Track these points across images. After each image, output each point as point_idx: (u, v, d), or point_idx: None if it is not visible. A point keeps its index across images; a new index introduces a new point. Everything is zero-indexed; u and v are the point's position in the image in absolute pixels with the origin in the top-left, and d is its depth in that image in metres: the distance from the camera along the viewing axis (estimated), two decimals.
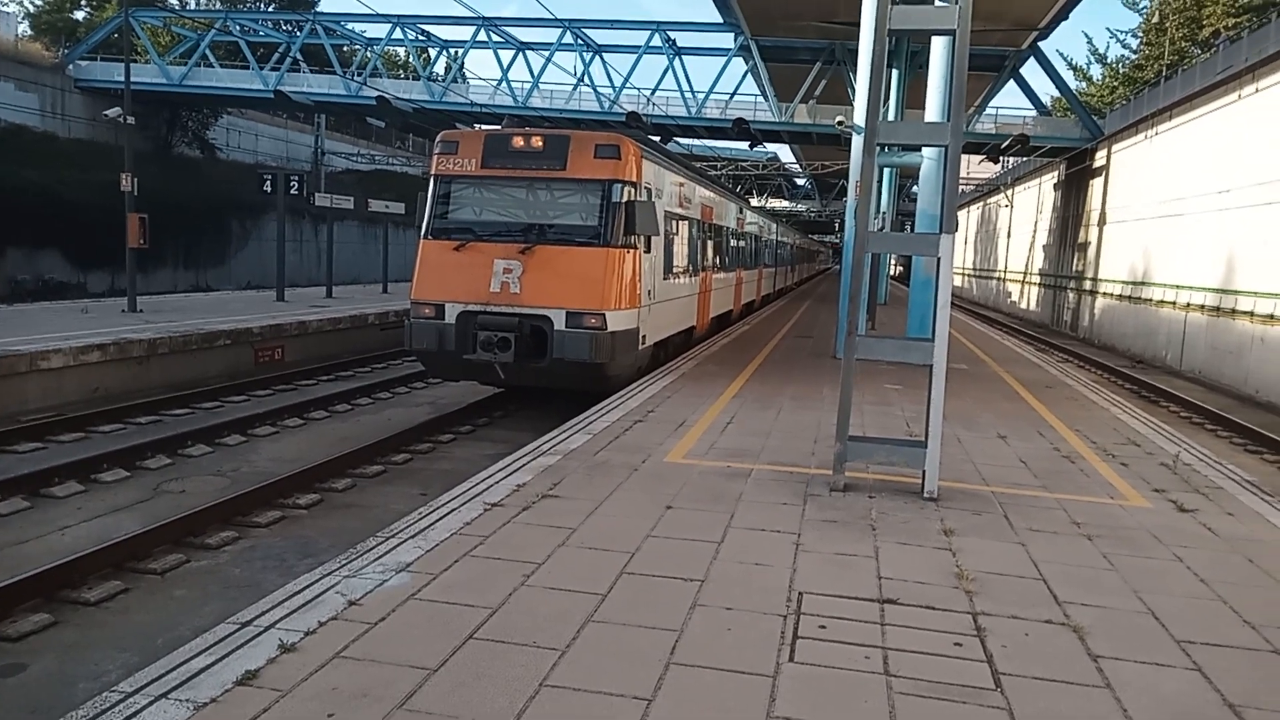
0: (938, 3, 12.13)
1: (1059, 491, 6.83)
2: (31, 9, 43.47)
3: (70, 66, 35.85)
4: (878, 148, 13.73)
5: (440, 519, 5.56)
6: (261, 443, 11.13)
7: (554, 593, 4.47)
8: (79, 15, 43.05)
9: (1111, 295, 29.41)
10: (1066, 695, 3.64)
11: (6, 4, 44.20)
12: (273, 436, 11.46)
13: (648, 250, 12.07)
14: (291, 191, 22.04)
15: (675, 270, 14.16)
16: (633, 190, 11.44)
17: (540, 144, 11.49)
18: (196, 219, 35.87)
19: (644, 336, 12.09)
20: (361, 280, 37.53)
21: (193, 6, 46.51)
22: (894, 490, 6.63)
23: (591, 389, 11.22)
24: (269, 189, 22.03)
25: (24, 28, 41.60)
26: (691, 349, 15.20)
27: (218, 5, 44.76)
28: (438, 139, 12.16)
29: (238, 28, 37.01)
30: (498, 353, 10.90)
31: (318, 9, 44.72)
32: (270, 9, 45.07)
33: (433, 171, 11.95)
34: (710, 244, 17.56)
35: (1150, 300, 25.88)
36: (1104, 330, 29.94)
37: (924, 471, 6.47)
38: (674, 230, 14.11)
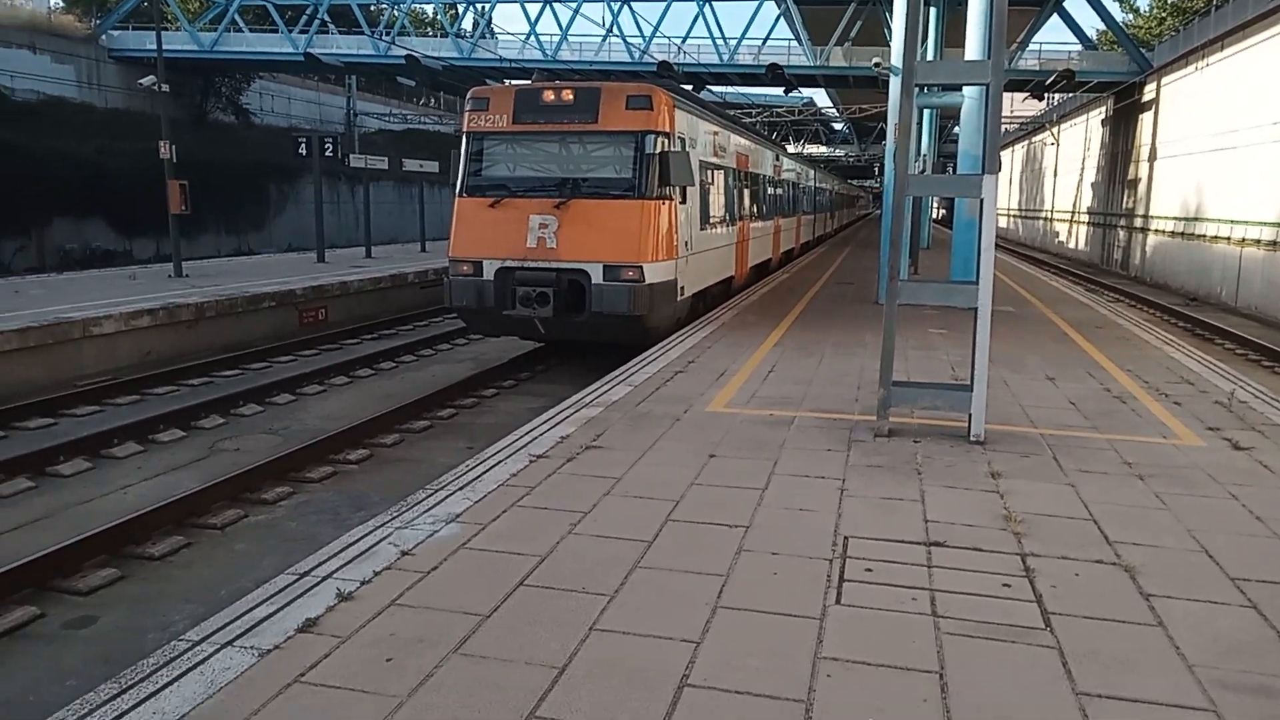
0: None
1: (1110, 432, 6.74)
2: None
3: (103, 37, 36.11)
4: (916, 89, 13.40)
5: (487, 471, 5.64)
6: (310, 401, 11.35)
7: (601, 540, 4.53)
8: None
9: (1163, 232, 28.62)
10: (1117, 633, 3.63)
11: None
12: (321, 395, 11.67)
13: (683, 201, 11.97)
14: (326, 154, 22.14)
15: (712, 220, 14.04)
16: (666, 140, 11.33)
17: (571, 97, 11.39)
18: (235, 184, 36.23)
19: (682, 288, 12.04)
20: (399, 239, 37.74)
21: None
22: (939, 434, 6.58)
23: (631, 341, 11.23)
24: (304, 152, 22.14)
25: (56, 1, 41.96)
26: (731, 299, 15.12)
27: None
28: (468, 96, 12.10)
29: None
30: (537, 308, 10.96)
31: None
32: None
33: (465, 129, 11.93)
34: (747, 192, 17.34)
35: (1204, 236, 25.14)
36: (1156, 268, 29.20)
37: (969, 415, 6.40)
38: (709, 180, 13.95)
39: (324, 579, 4.03)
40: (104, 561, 6.27)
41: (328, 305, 17.02)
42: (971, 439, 6.37)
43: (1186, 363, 9.72)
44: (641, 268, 10.91)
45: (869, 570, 4.20)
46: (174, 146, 17.86)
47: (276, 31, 36.01)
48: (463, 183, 11.80)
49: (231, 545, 6.74)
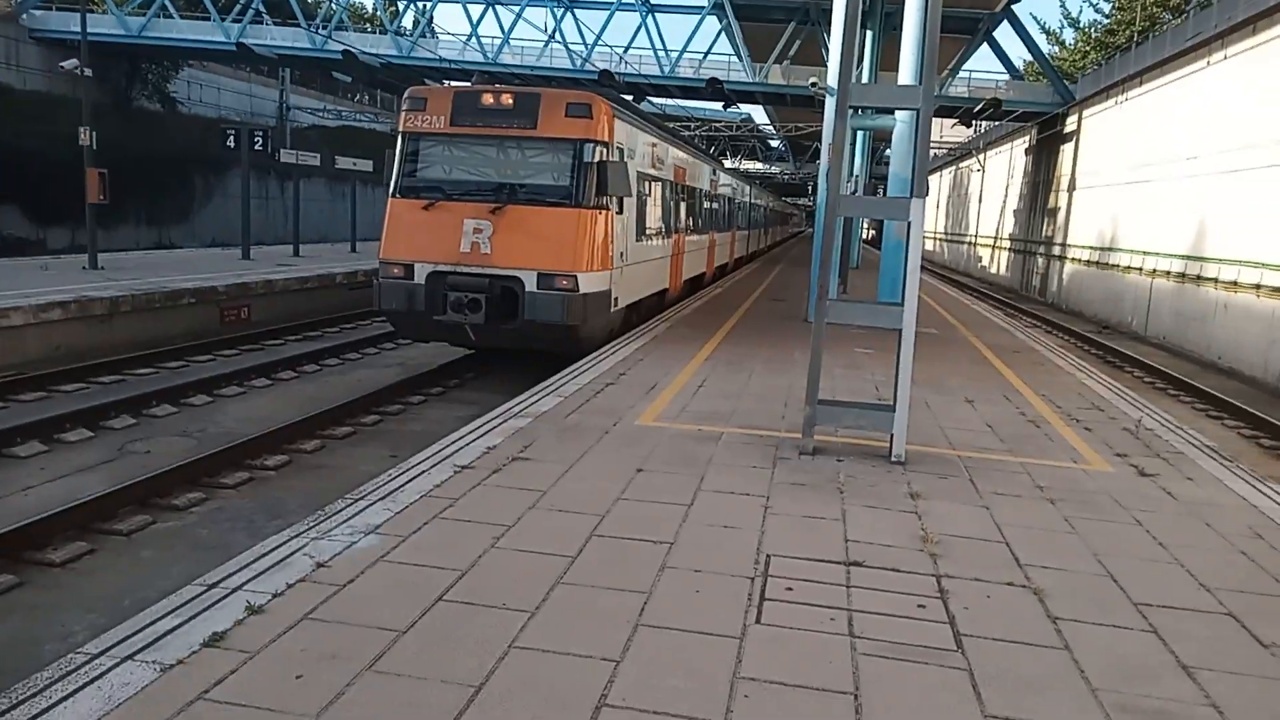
0: None
1: (1024, 455, 6.94)
2: None
3: (24, 16, 34.66)
4: (850, 110, 13.67)
5: (410, 481, 5.54)
6: (228, 403, 11.02)
7: (524, 555, 4.48)
8: None
9: (1080, 261, 29.72)
10: (1026, 655, 3.73)
11: None
12: (240, 397, 11.34)
13: (620, 211, 11.95)
14: (256, 147, 21.59)
15: (648, 232, 14.08)
16: (605, 150, 11.30)
17: (510, 102, 11.30)
18: (158, 174, 35.06)
19: (616, 299, 12.03)
20: (330, 239, 37.01)
21: None
22: (862, 454, 6.70)
23: (563, 351, 11.17)
24: (233, 144, 21.55)
25: None
26: (664, 311, 15.18)
27: None
28: (405, 95, 11.93)
29: None
30: (468, 314, 10.80)
31: None
32: None
33: (400, 129, 11.72)
34: (683, 206, 17.44)
35: (1117, 266, 26.18)
36: (1072, 296, 30.29)
37: (891, 435, 6.54)
38: (647, 191, 14.00)
39: (233, 590, 3.90)
40: (1, 567, 5.97)
41: (251, 304, 16.57)
42: (893, 459, 6.49)
43: (1098, 389, 10.09)
44: (576, 277, 10.85)
45: (789, 589, 4.24)
46: (95, 133, 17.23)
47: (208, 19, 35.02)
48: (396, 183, 11.60)
49: (138, 552, 6.49)
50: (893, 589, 4.32)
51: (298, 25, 33.86)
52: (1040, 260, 34.36)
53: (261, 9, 34.31)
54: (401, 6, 38.00)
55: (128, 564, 6.30)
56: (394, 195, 11.62)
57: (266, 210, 40.57)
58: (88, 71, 17.82)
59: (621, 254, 12.15)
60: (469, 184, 11.46)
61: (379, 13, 40.29)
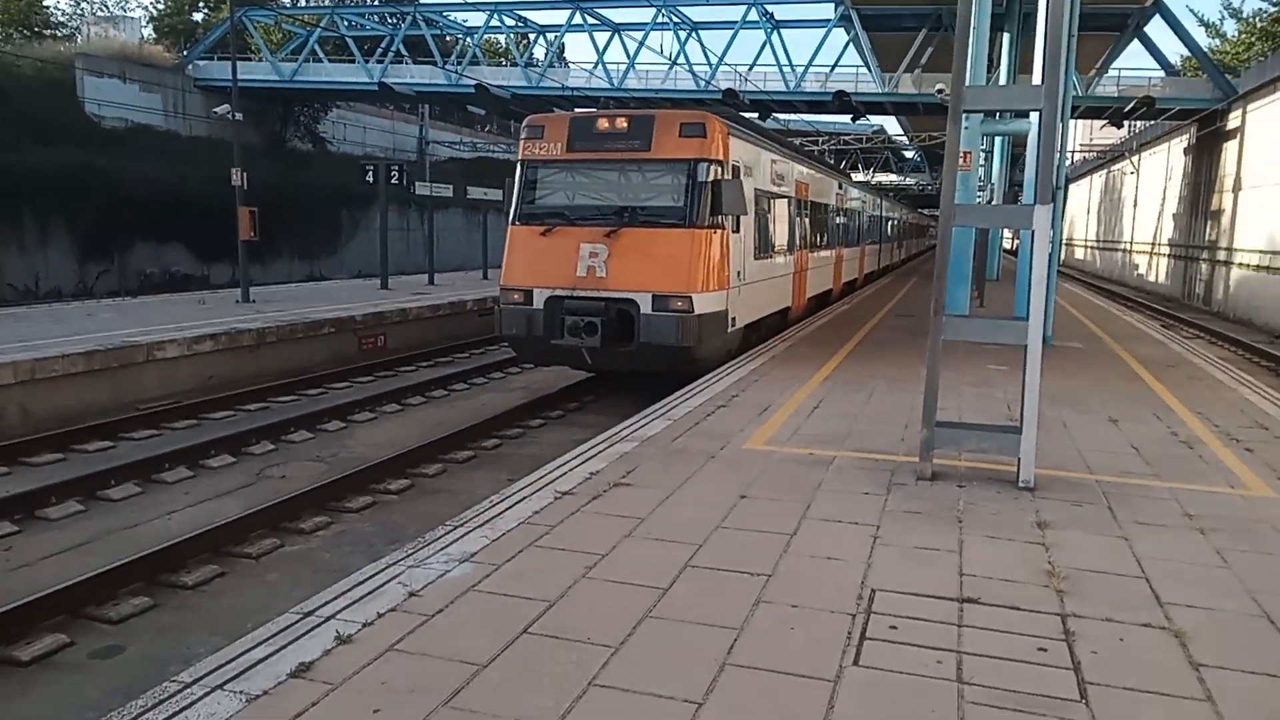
0: None
1: (1172, 480, 6.33)
2: (154, 13, 45.96)
3: (189, 67, 37.71)
4: (984, 116, 13.02)
5: (510, 507, 5.54)
6: (360, 429, 11.45)
7: (614, 586, 4.37)
8: (197, 17, 45.29)
9: (1248, 266, 27.35)
10: (1161, 708, 3.33)
11: (132, 9, 46.85)
12: (370, 422, 11.76)
13: (736, 230, 11.82)
14: (392, 181, 22.59)
15: (767, 250, 13.83)
16: (719, 169, 11.22)
17: (625, 125, 11.41)
18: (309, 210, 37.26)
19: (733, 319, 11.88)
20: (465, 266, 38.31)
21: (302, 4, 48.27)
22: (987, 479, 6.26)
23: (679, 373, 11.04)
24: (371, 179, 22.63)
25: (148, 31, 44.03)
26: (787, 330, 14.86)
27: (325, 2, 46.27)
28: (524, 124, 12.20)
29: (344, 23, 38.19)
30: (585, 337, 10.87)
31: (419, 1, 45.78)
32: (374, 3, 46.34)
33: (519, 157, 11.99)
34: (806, 222, 17.06)
35: None
36: (1240, 303, 27.90)
37: (1019, 459, 6.08)
38: (766, 208, 13.78)
39: (326, 619, 3.95)
40: (138, 589, 6.33)
41: (387, 332, 17.26)
42: (1020, 485, 6.04)
43: (1263, 405, 9.16)
44: (690, 298, 10.76)
45: (893, 628, 3.95)
46: (249, 174, 18.42)
47: (353, 61, 37.16)
48: (516, 210, 11.89)
49: (264, 575, 6.76)
50: (1011, 629, 3.96)
51: (434, 63, 35.39)
52: (1204, 266, 31.87)
53: (402, 50, 36.12)
54: (531, 39, 39.17)
55: (254, 587, 6.57)
56: (513, 223, 11.88)
57: (407, 241, 42.45)
58: (239, 116, 19.12)
59: (738, 273, 11.99)
60: (585, 208, 11.55)
61: (510, 47, 41.69)
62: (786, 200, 15.26)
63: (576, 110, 12.44)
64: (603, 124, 11.52)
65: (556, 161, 11.73)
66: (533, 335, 11.37)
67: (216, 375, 13.47)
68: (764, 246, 13.59)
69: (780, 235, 14.79)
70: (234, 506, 8.13)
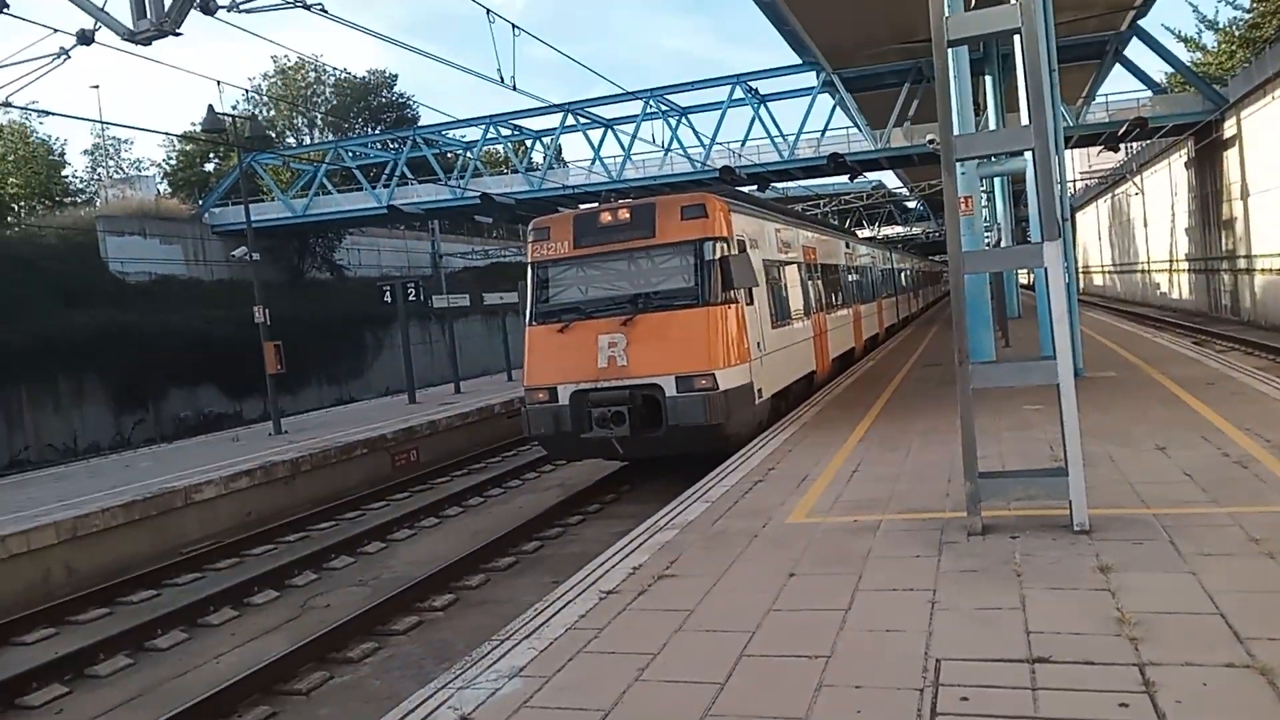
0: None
1: (1232, 505, 6.10)
2: (167, 168, 47.85)
3: (205, 215, 39.05)
4: (974, 161, 13.08)
5: (555, 614, 5.42)
6: (400, 547, 11.39)
7: (670, 686, 4.23)
8: (209, 167, 47.09)
9: (1271, 271, 27.03)
10: None
11: (146, 168, 48.83)
12: (410, 539, 11.70)
13: (750, 302, 11.91)
14: (410, 298, 22.99)
15: (784, 317, 13.89)
16: (725, 245, 11.37)
17: (627, 215, 11.63)
18: (333, 336, 38.00)
19: (759, 390, 11.84)
20: (489, 371, 38.58)
21: (307, 143, 50.12)
22: (1040, 526, 6.06)
23: (711, 451, 10.91)
24: (389, 299, 23.05)
25: (163, 186, 45.78)
26: (814, 394, 14.75)
27: (329, 137, 48.03)
28: (530, 227, 12.46)
29: (348, 154, 39.54)
30: (614, 428, 10.88)
31: (418, 124, 47.38)
32: (375, 132, 48.02)
33: (529, 259, 12.23)
34: (819, 284, 17.14)
35: None
36: (1269, 309, 27.48)
37: (1070, 502, 5.90)
38: (777, 277, 13.89)
39: None
40: None
41: (418, 446, 17.32)
42: (1075, 528, 5.84)
43: None
44: (714, 375, 10.77)
45: (964, 699, 3.77)
46: (271, 309, 18.81)
47: (361, 189, 38.33)
48: (532, 311, 12.06)
49: (316, 711, 6.64)
50: (1087, 686, 3.77)
51: (438, 180, 36.42)
52: (1226, 277, 31.53)
53: (406, 172, 37.26)
54: (529, 144, 40.29)
55: None
56: (530, 324, 12.07)
57: (431, 353, 43.03)
58: (256, 255, 19.64)
59: (758, 344, 12.02)
60: (599, 301, 11.70)
61: (509, 155, 42.87)
62: (796, 266, 15.35)
63: (580, 207, 12.72)
64: (606, 217, 11.75)
65: (565, 259, 11.95)
66: (561, 431, 11.39)
67: (255, 510, 13.51)
68: (780, 314, 13.63)
69: (795, 301, 14.83)
70: (280, 642, 8.05)
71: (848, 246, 21.91)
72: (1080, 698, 3.68)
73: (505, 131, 37.36)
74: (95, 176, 49.96)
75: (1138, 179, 44.23)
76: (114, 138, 51.09)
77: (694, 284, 11.21)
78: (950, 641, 4.38)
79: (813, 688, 4.04)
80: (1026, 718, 3.57)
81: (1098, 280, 62.81)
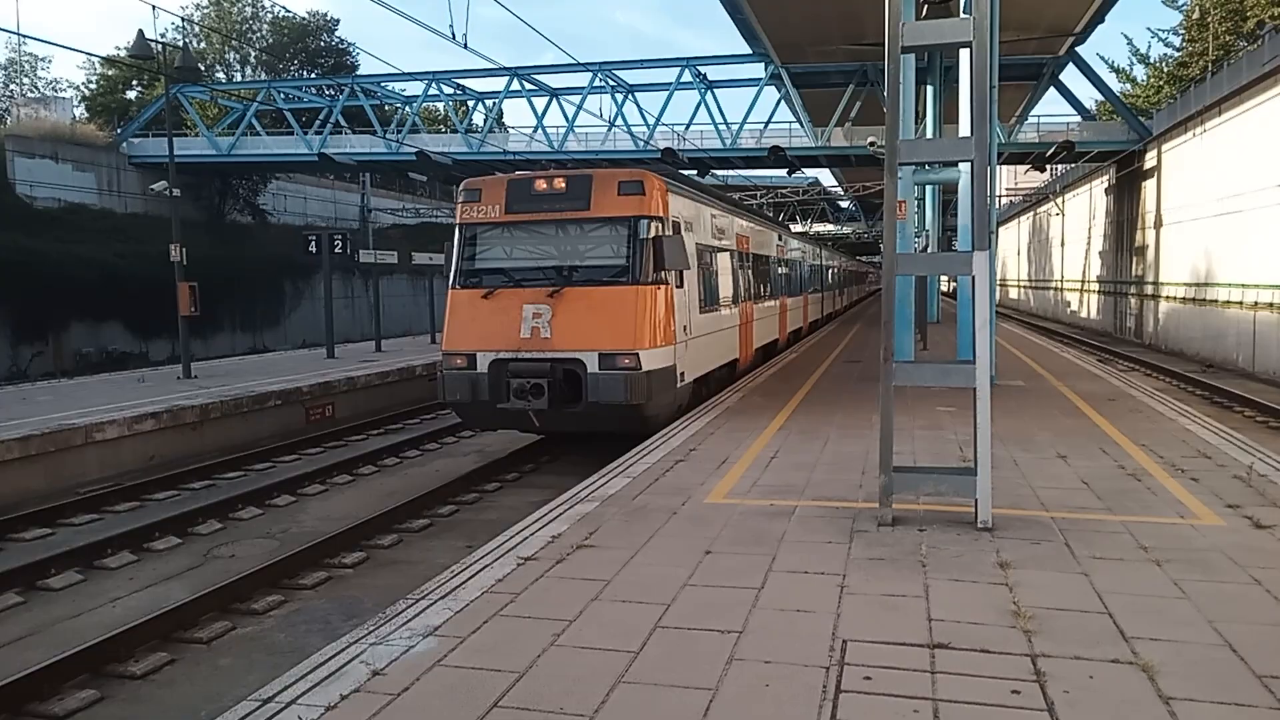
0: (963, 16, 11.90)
1: (1124, 513, 6.46)
2: (86, 92, 45.52)
3: (124, 145, 37.31)
4: (914, 166, 13.42)
5: (472, 577, 5.43)
6: (311, 502, 11.18)
7: (584, 652, 4.29)
8: (131, 95, 44.98)
9: (1175, 299, 28.44)
10: None
11: (63, 90, 46.37)
12: (321, 495, 11.50)
13: (680, 285, 11.82)
14: (336, 250, 22.45)
15: (712, 303, 13.90)
16: (659, 225, 11.27)
17: (563, 185, 11.39)
18: (250, 283, 36.86)
19: (682, 374, 11.80)
20: (412, 332, 38.05)
21: (238, 79, 48.25)
22: (946, 521, 6.33)
23: (630, 431, 10.88)
24: (315, 250, 22.47)
25: (80, 110, 43.54)
26: (736, 382, 14.96)
27: (262, 76, 46.33)
28: (460, 187, 12.08)
29: (281, 96, 38.22)
30: (531, 400, 10.71)
31: (357, 73, 46.08)
32: (312, 76, 46.54)
33: (457, 220, 11.86)
34: (749, 273, 17.25)
35: (1216, 301, 24.94)
36: (1170, 335, 28.93)
37: (976, 500, 6.17)
38: (709, 262, 13.90)
39: (287, 705, 3.81)
40: (84, 682, 6.05)
41: (334, 401, 16.99)
42: (979, 525, 6.11)
43: (1203, 435, 9.44)
44: (638, 355, 10.68)
45: (868, 679, 3.94)
46: (188, 249, 18.15)
47: (292, 134, 37.11)
48: (456, 274, 11.71)
49: (217, 661, 6.50)
50: (983, 673, 3.97)
51: (374, 133, 35.55)
52: (1133, 301, 33.04)
53: (341, 120, 36.20)
54: (471, 106, 39.59)
55: (206, 673, 6.31)
56: (453, 286, 11.73)
57: (353, 309, 42.12)
58: (176, 192, 18.90)
59: (685, 328, 11.94)
60: (526, 270, 11.49)
61: (450, 114, 42.10)
62: (729, 253, 15.42)
63: (516, 173, 12.46)
64: (540, 185, 11.47)
65: (495, 224, 11.63)
66: (478, 400, 11.16)
67: (159, 454, 13.08)
68: (709, 300, 13.61)
69: (724, 288, 14.87)
70: (182, 590, 7.84)
71: (780, 239, 22.11)
72: (976, 683, 3.87)
73: (448, 90, 36.63)
74: (7, 93, 47.27)
75: (1059, 200, 45.90)
76: (30, 54, 48.37)
77: (625, 261, 11.08)
78: (857, 624, 4.55)
79: (725, 661, 4.15)
80: (925, 699, 3.74)
81: (1013, 294, 65.04)
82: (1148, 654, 4.09)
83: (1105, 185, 36.65)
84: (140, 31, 17.57)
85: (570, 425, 11.42)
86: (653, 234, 11.13)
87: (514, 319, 11.02)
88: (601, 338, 10.75)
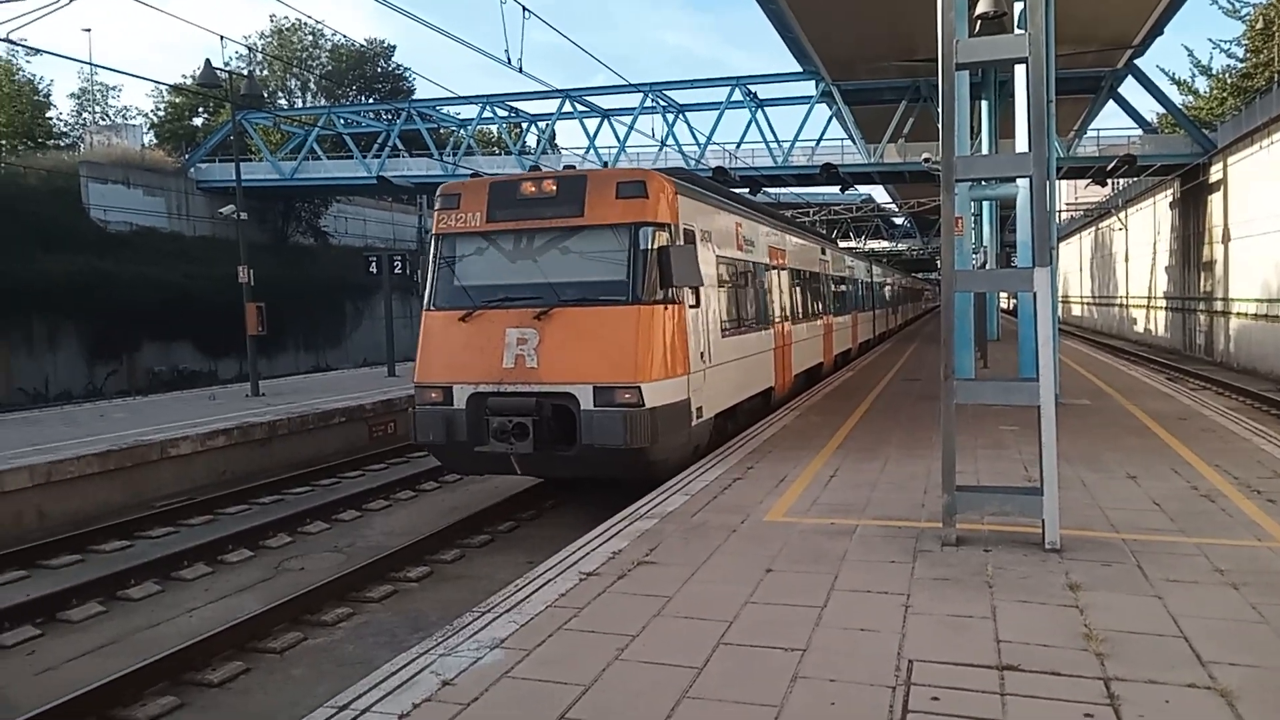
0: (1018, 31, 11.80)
1: (1198, 535, 6.31)
2: (155, 119, 47.24)
3: (191, 170, 38.64)
4: (970, 183, 13.28)
5: (535, 591, 5.52)
6: (375, 517, 11.41)
7: (648, 667, 4.34)
8: (197, 121, 46.56)
9: (1246, 315, 27.60)
10: None
11: (133, 117, 48.18)
12: (385, 510, 11.73)
13: (695, 304, 10.19)
14: (396, 271, 22.93)
15: (739, 324, 12.24)
16: (667, 233, 9.61)
17: (553, 188, 9.78)
18: (313, 303, 37.77)
19: (699, 409, 10.11)
20: None
21: (299, 106, 49.66)
22: (1012, 542, 6.24)
23: (633, 478, 9.50)
24: (375, 270, 22.98)
25: (149, 137, 45.20)
26: (773, 413, 13.36)
27: (322, 102, 47.63)
28: (438, 192, 10.48)
29: (341, 121, 39.25)
30: (514, 442, 9.14)
31: (413, 97, 47.13)
32: (370, 101, 47.69)
33: (434, 230, 10.35)
34: (785, 290, 15.42)
35: None
36: (1242, 352, 28.06)
37: (1043, 520, 6.08)
38: (734, 277, 12.28)
39: (362, 712, 3.93)
40: (164, 689, 6.27)
41: (396, 419, 17.31)
42: (1047, 546, 6.02)
43: (1279, 455, 9.16)
44: (639, 389, 9.00)
45: (935, 699, 3.92)
46: (254, 270, 18.74)
47: (351, 158, 38.07)
48: (431, 293, 10.20)
49: (289, 670, 6.68)
50: (1054, 696, 3.92)
51: (430, 155, 36.29)
52: (1202, 317, 32.13)
53: (398, 144, 37.04)
54: (524, 128, 40.23)
55: (280, 682, 6.50)
56: (427, 308, 10.24)
57: (412, 328, 42.45)
58: (243, 215, 19.52)
59: (702, 355, 10.31)
60: (509, 287, 9.77)
61: (503, 136, 42.78)
62: (760, 267, 13.78)
63: (509, 173, 11.13)
64: (527, 188, 9.85)
65: (475, 234, 10.04)
66: (454, 441, 9.57)
67: (230, 470, 13.48)
68: (734, 321, 11.98)
69: (754, 307, 13.22)
70: (255, 601, 8.08)
71: (824, 253, 20.65)
72: (1047, 706, 3.83)
73: (501, 112, 37.26)
74: (80, 121, 49.26)
75: (1122, 214, 44.89)
76: (102, 83, 50.37)
77: (625, 276, 9.41)
78: (923, 644, 4.52)
79: (789, 679, 4.17)
80: (994, 719, 3.72)
81: (1075, 311, 63.67)
82: (1225, 679, 4.01)
83: (1170, 199, 35.79)
84: (208, 60, 18.28)
85: (561, 471, 9.98)
86: (658, 244, 9.48)
87: (495, 346, 9.45)
88: (597, 368, 9.15)
